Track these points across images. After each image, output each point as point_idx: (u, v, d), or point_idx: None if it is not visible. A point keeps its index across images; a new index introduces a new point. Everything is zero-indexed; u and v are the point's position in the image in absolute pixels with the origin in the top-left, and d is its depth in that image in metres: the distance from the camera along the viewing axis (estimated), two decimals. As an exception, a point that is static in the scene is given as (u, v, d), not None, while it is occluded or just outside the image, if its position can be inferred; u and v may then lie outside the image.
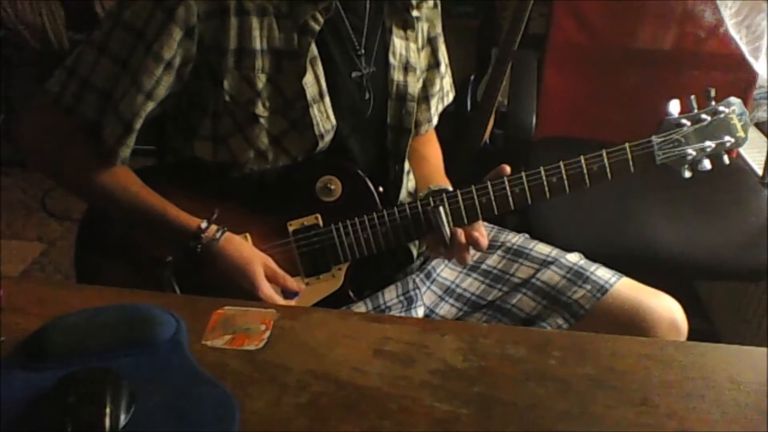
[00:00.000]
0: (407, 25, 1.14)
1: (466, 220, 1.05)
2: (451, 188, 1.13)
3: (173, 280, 1.04)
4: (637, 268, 1.23)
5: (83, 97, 1.00)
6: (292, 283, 1.05)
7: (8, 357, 0.75)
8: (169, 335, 0.77)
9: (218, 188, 1.08)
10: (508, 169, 1.04)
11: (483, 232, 1.07)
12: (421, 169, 1.25)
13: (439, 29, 1.23)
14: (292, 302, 1.05)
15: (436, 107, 1.27)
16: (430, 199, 1.05)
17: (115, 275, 1.10)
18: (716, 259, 1.56)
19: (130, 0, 0.98)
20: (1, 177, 2.77)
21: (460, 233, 1.04)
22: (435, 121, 1.28)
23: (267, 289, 1.01)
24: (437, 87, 1.25)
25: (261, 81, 1.02)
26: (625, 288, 1.12)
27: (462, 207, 1.04)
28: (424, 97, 1.24)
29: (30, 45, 2.85)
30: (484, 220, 1.09)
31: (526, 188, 1.04)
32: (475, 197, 1.04)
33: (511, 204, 1.05)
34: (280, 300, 1.03)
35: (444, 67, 1.26)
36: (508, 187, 1.04)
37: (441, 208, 1.04)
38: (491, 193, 1.04)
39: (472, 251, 1.07)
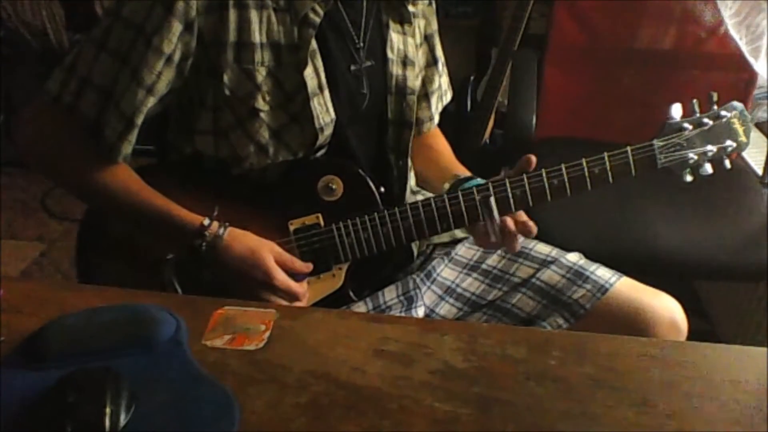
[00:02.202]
0: (404, 19, 1.14)
1: (466, 220, 1.05)
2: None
3: (174, 280, 1.04)
4: (637, 268, 1.23)
5: (83, 95, 1.00)
6: (301, 264, 1.05)
7: (8, 357, 0.75)
8: (169, 335, 0.77)
9: (220, 187, 1.08)
10: (533, 159, 1.04)
11: (529, 220, 1.06)
12: (438, 161, 1.25)
13: (434, 26, 1.24)
14: (304, 285, 1.05)
15: (436, 105, 1.27)
16: (474, 189, 1.04)
17: (115, 275, 1.10)
18: (716, 259, 1.56)
19: None
20: (1, 177, 2.77)
21: (510, 221, 1.04)
22: (436, 119, 1.29)
23: (281, 275, 1.01)
24: (436, 84, 1.25)
25: (261, 74, 1.02)
26: (626, 288, 1.12)
27: (467, 204, 1.04)
28: (424, 94, 1.25)
29: (30, 45, 2.85)
30: (484, 220, 1.09)
31: (527, 190, 1.04)
32: (476, 198, 1.04)
33: (512, 206, 1.05)
34: (293, 284, 1.03)
35: (441, 65, 1.26)
36: (509, 189, 1.04)
37: (492, 198, 1.03)
38: (492, 195, 1.04)
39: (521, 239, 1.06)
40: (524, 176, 1.04)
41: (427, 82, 1.24)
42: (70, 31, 2.88)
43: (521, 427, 0.68)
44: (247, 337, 0.79)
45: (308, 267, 1.06)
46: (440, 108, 1.29)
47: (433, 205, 1.05)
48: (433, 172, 1.24)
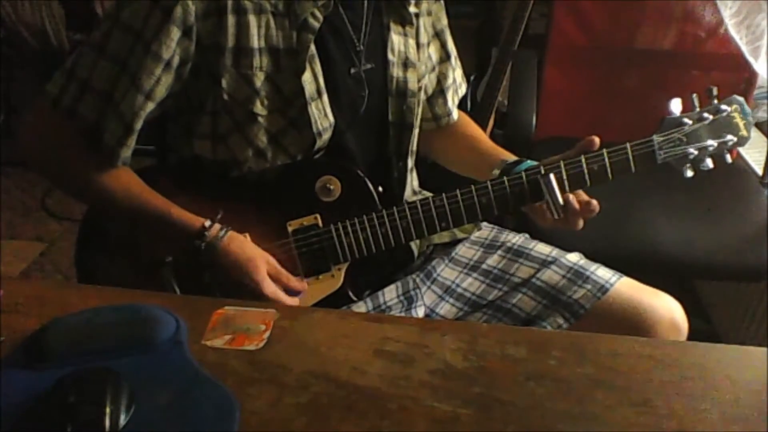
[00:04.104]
0: (405, 21, 1.14)
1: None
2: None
3: (173, 280, 1.04)
4: (637, 268, 1.23)
5: (83, 99, 1.00)
6: (296, 282, 1.05)
7: (8, 357, 0.75)
8: (169, 335, 0.77)
9: (218, 188, 1.08)
10: (596, 141, 1.04)
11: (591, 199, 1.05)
12: (478, 148, 1.25)
13: (444, 22, 1.24)
14: (295, 300, 1.05)
15: (453, 99, 1.28)
16: (541, 168, 1.03)
17: (115, 275, 1.10)
18: (716, 259, 1.56)
19: (128, 0, 0.98)
20: (1, 177, 2.77)
21: (573, 200, 1.03)
22: (455, 113, 1.29)
23: (270, 287, 1.01)
24: (450, 79, 1.26)
25: (259, 79, 1.02)
26: (626, 288, 1.12)
27: (465, 203, 1.04)
28: (440, 90, 1.26)
29: (30, 45, 2.85)
30: (483, 220, 1.09)
31: (526, 188, 1.04)
32: (475, 197, 1.04)
33: (510, 205, 1.05)
34: (283, 297, 1.02)
35: (454, 59, 1.27)
36: (507, 187, 1.04)
37: (552, 175, 1.02)
38: (491, 193, 1.04)
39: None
40: (522, 173, 1.04)
41: (441, 78, 1.25)
42: (70, 31, 2.88)
43: (521, 427, 0.68)
44: (247, 337, 0.79)
45: (303, 286, 1.06)
46: (457, 101, 1.30)
47: (431, 204, 1.05)
48: (475, 158, 1.23)
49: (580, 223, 1.05)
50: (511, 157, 1.15)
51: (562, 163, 1.03)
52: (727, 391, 0.73)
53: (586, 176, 1.04)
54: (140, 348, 0.75)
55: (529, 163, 1.09)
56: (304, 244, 1.08)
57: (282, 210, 1.08)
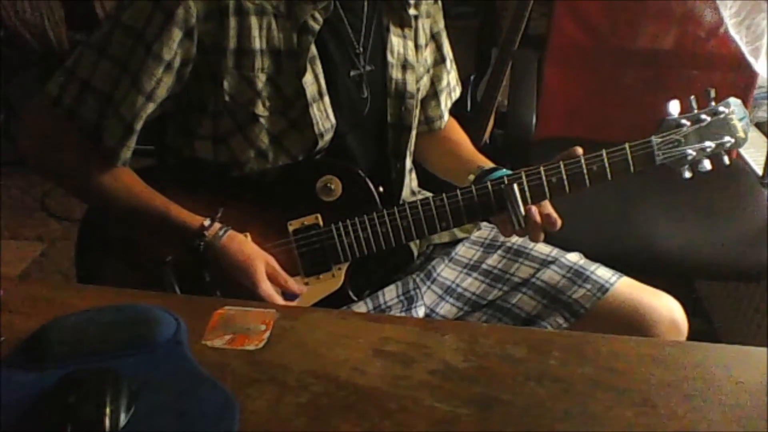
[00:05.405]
0: (404, 23, 1.14)
1: (479, 213, 1.05)
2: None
3: (173, 280, 1.04)
4: (637, 268, 1.23)
5: (83, 99, 1.00)
6: (293, 284, 1.05)
7: (8, 357, 0.75)
8: (169, 335, 0.77)
9: (219, 188, 1.08)
10: (579, 150, 1.04)
11: (554, 213, 1.06)
12: (458, 152, 1.26)
13: (441, 24, 1.24)
14: (291, 304, 1.05)
15: (446, 103, 1.28)
16: (504, 178, 1.04)
17: (115, 275, 1.10)
18: (716, 259, 1.56)
19: (129, 1, 0.98)
20: (1, 177, 2.77)
21: (535, 212, 1.04)
22: (446, 116, 1.30)
23: (267, 287, 1.01)
24: (444, 82, 1.26)
25: (261, 81, 1.02)
26: (626, 287, 1.12)
27: (466, 203, 1.05)
28: (433, 93, 1.26)
29: (30, 45, 2.85)
30: (483, 219, 1.09)
31: (526, 188, 1.04)
32: (475, 194, 1.04)
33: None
34: (279, 299, 1.03)
35: (449, 62, 1.27)
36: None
37: (515, 185, 1.03)
38: (491, 193, 1.04)
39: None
40: (522, 174, 1.04)
41: (435, 80, 1.25)
42: (70, 31, 2.88)
43: (521, 427, 0.68)
44: (247, 337, 0.79)
45: (301, 289, 1.06)
46: (449, 105, 1.30)
47: (431, 204, 1.05)
48: (454, 163, 1.24)
49: (541, 236, 1.06)
50: (489, 164, 1.15)
51: (542, 169, 1.03)
52: (727, 391, 0.73)
53: (586, 176, 1.04)
54: (140, 348, 0.75)
55: (505, 171, 1.09)
56: (304, 244, 1.08)
57: (283, 210, 1.08)
